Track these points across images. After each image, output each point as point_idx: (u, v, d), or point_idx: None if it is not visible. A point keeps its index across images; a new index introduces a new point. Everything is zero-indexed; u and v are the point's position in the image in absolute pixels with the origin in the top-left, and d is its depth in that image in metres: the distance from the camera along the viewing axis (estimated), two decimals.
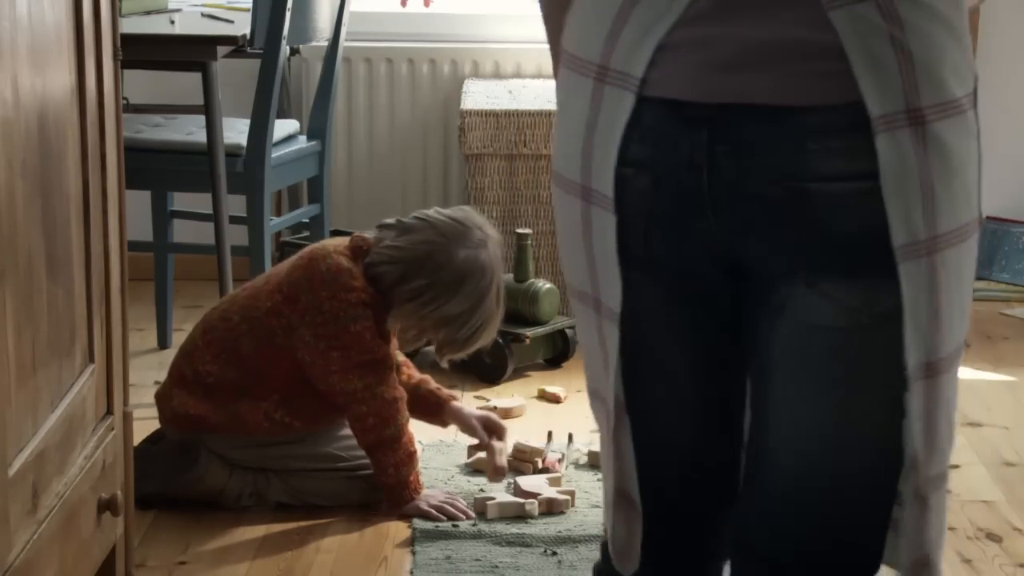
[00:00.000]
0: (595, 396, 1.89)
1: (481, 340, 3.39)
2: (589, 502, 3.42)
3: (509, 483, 3.46)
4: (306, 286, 3.32)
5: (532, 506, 3.34)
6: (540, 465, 3.56)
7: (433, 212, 3.42)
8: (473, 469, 3.59)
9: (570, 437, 3.71)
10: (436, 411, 3.53)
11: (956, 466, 3.70)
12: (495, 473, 3.46)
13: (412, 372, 3.54)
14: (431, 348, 3.47)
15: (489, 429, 3.51)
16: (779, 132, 1.63)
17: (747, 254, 1.69)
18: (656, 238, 1.72)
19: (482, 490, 3.46)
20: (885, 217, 1.62)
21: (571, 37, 1.78)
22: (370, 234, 3.41)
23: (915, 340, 1.67)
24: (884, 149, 1.61)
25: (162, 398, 3.43)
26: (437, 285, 3.30)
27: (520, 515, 3.32)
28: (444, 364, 3.52)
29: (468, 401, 4.05)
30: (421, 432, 3.67)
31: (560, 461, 3.58)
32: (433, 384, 3.55)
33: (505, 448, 3.50)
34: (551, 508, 3.36)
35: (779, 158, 1.63)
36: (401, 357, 3.53)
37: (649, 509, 1.85)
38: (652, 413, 1.82)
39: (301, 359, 3.32)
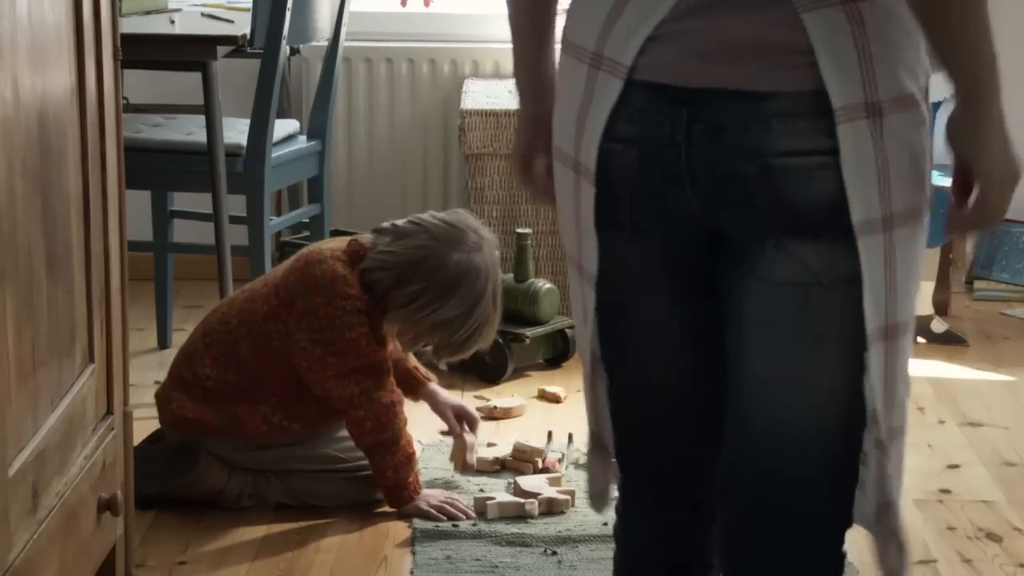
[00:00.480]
0: (581, 353, 2.07)
1: (478, 343, 3.39)
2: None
3: (509, 483, 3.46)
4: (302, 291, 3.32)
5: (532, 506, 3.34)
6: (540, 465, 3.56)
7: (428, 216, 3.41)
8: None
9: (570, 437, 3.71)
10: (412, 389, 3.56)
11: (956, 466, 3.70)
12: (462, 467, 3.48)
13: (396, 346, 3.50)
14: (429, 348, 3.47)
15: (462, 419, 3.53)
16: (749, 114, 1.83)
17: (720, 221, 1.89)
18: (641, 205, 1.91)
19: (482, 490, 3.46)
20: (842, 189, 1.82)
21: (571, 27, 2.02)
22: (367, 238, 3.41)
23: (873, 307, 1.85)
24: (845, 137, 1.81)
25: (162, 400, 3.43)
26: (431, 290, 3.30)
27: (520, 515, 3.32)
28: (442, 366, 3.52)
29: (468, 401, 4.05)
30: (421, 432, 3.67)
31: (560, 461, 3.58)
32: (412, 363, 3.55)
33: (475, 442, 3.52)
34: (551, 508, 3.36)
35: (748, 136, 1.83)
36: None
37: (640, 453, 2.06)
38: (642, 362, 2.00)
39: (298, 364, 3.32)
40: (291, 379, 3.34)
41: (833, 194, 1.82)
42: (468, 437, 3.52)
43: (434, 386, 3.58)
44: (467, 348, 3.39)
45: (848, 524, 1.96)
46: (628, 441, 2.09)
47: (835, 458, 1.92)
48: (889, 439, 1.89)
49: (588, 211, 1.95)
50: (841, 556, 1.97)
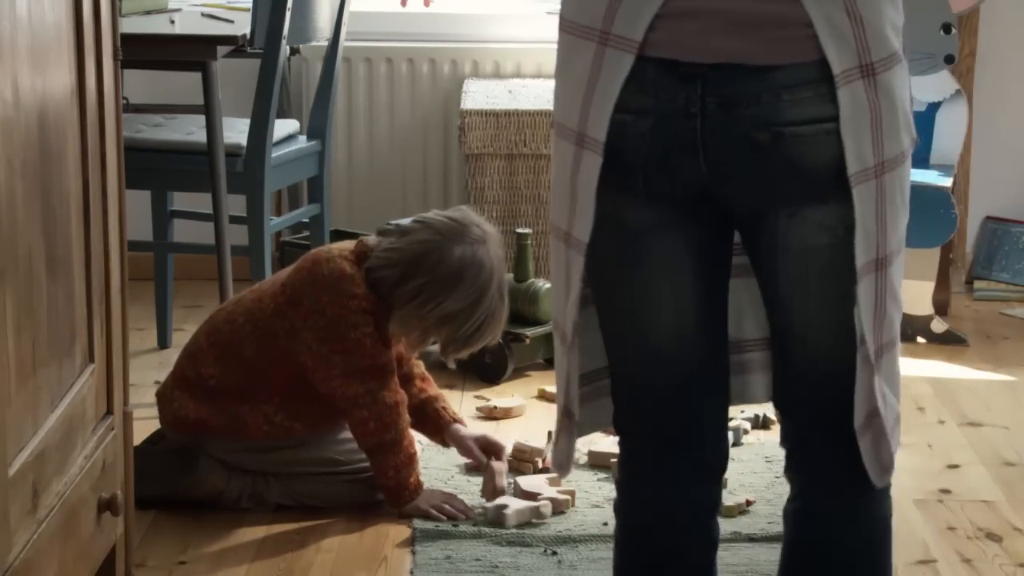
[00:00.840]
0: (556, 327, 2.18)
1: (486, 337, 3.37)
2: (589, 502, 3.42)
3: (509, 483, 3.46)
4: (309, 289, 3.32)
5: (547, 507, 3.33)
6: (540, 465, 3.56)
7: (431, 214, 3.42)
8: (472, 469, 3.58)
9: None
10: (437, 430, 3.51)
11: (956, 466, 3.70)
12: (492, 494, 3.41)
13: (427, 387, 3.52)
14: (436, 347, 3.47)
15: (487, 450, 3.49)
16: (760, 86, 1.99)
17: (728, 190, 2.05)
18: (654, 172, 2.04)
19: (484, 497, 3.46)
20: (834, 153, 2.00)
21: (572, 7, 2.08)
22: (373, 239, 3.41)
23: (864, 244, 2.04)
24: (844, 99, 1.99)
25: (163, 399, 3.43)
26: (435, 283, 3.29)
27: (537, 518, 3.30)
28: (451, 364, 3.51)
29: (468, 401, 4.05)
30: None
31: None
32: (442, 403, 3.52)
33: (504, 468, 3.47)
34: (552, 508, 3.36)
35: (760, 108, 1.98)
36: (420, 369, 3.52)
37: (644, 416, 2.18)
38: (645, 322, 2.13)
39: (303, 363, 3.32)
40: (295, 378, 3.34)
41: (839, 156, 2.00)
42: (496, 465, 3.46)
43: (458, 426, 3.53)
44: (475, 342, 3.37)
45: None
46: (631, 405, 2.19)
47: (853, 375, 2.12)
48: (877, 356, 2.09)
49: (588, 180, 2.04)
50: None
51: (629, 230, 2.10)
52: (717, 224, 2.12)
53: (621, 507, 2.27)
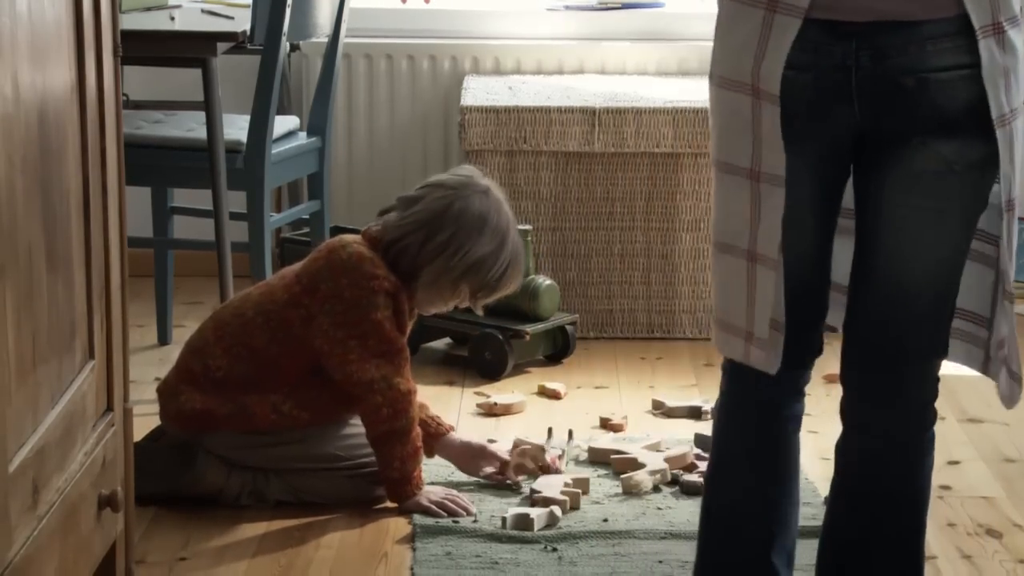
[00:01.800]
0: (726, 251, 2.47)
1: (512, 279, 3.44)
2: (589, 499, 3.42)
3: (525, 496, 3.43)
4: (327, 275, 3.34)
5: (563, 507, 3.32)
6: (537, 465, 3.55)
7: (430, 179, 3.50)
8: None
9: (570, 433, 3.71)
10: (430, 442, 3.46)
11: (956, 462, 3.70)
12: (554, 464, 3.49)
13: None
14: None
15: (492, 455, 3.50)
16: (907, 39, 2.33)
17: (878, 127, 2.37)
18: (813, 117, 2.37)
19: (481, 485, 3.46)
20: (976, 94, 2.32)
21: None
22: (377, 225, 3.43)
23: (1004, 183, 2.37)
24: (983, 51, 2.32)
25: (167, 395, 3.43)
26: (462, 231, 3.36)
27: (552, 523, 3.29)
28: (480, 311, 3.55)
29: (469, 397, 4.05)
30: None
31: (560, 457, 3.58)
32: (430, 412, 3.51)
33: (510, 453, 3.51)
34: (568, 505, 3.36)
35: (907, 57, 2.33)
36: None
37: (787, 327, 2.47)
38: (794, 248, 2.42)
39: (319, 347, 3.32)
40: (305, 368, 3.35)
41: (970, 98, 2.33)
42: (514, 455, 3.49)
43: (453, 435, 3.52)
44: (502, 286, 3.43)
45: (941, 356, 2.51)
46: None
47: (936, 303, 2.46)
48: (1012, 289, 2.41)
49: (773, 125, 2.36)
50: (937, 378, 2.54)
51: (789, 168, 2.39)
52: (845, 170, 2.46)
53: (729, 387, 2.57)
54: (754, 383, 2.50)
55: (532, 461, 3.50)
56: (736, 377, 2.54)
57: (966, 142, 2.36)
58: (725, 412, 2.59)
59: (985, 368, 2.52)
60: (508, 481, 3.47)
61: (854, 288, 2.50)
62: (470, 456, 3.49)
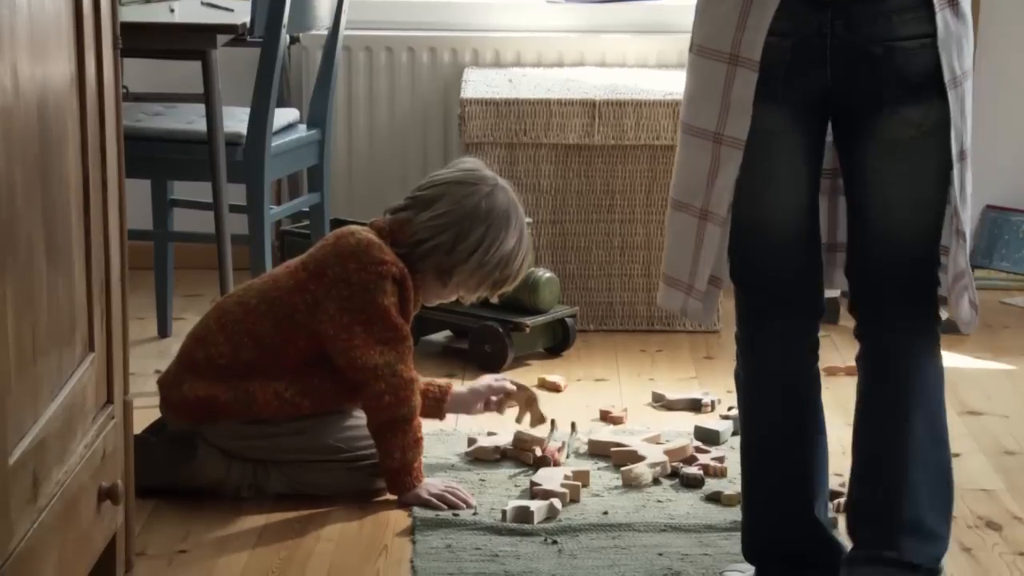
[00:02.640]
0: (681, 208, 2.73)
1: (528, 263, 3.54)
2: (589, 491, 3.42)
3: (525, 487, 3.44)
4: (334, 260, 3.35)
5: (563, 500, 3.32)
6: (539, 453, 3.55)
7: (438, 178, 3.50)
8: (474, 458, 3.59)
9: (572, 426, 3.71)
10: (437, 405, 3.53)
11: (956, 455, 3.69)
12: (540, 420, 3.62)
13: None
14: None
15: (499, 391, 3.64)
16: (875, 10, 2.59)
17: (847, 92, 2.63)
18: (791, 81, 2.62)
19: (483, 480, 3.46)
20: (934, 60, 2.60)
21: None
22: (385, 218, 3.46)
23: (956, 138, 2.64)
24: (939, 22, 2.59)
25: (169, 385, 3.43)
26: (493, 227, 3.42)
27: (552, 515, 3.29)
28: (496, 300, 3.61)
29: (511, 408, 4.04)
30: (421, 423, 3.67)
31: (560, 450, 3.58)
32: (423, 380, 3.53)
33: (536, 395, 3.66)
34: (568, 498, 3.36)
35: (875, 27, 2.59)
36: None
37: (769, 277, 2.77)
38: (772, 204, 2.70)
39: (324, 332, 3.33)
40: (308, 355, 3.36)
41: (930, 65, 2.60)
42: (525, 392, 3.63)
43: (456, 388, 3.59)
44: (521, 273, 3.51)
45: (936, 287, 2.78)
46: (757, 269, 2.76)
47: (927, 246, 2.74)
48: (964, 227, 2.69)
49: (744, 90, 2.60)
50: (937, 309, 2.82)
51: (765, 130, 2.65)
52: (821, 131, 2.71)
53: (747, 344, 2.81)
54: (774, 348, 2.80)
55: (523, 404, 3.60)
56: (749, 319, 2.81)
57: (929, 104, 2.62)
58: (753, 386, 2.83)
59: (946, 299, 2.79)
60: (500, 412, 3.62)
61: (851, 239, 2.78)
62: (479, 399, 3.59)
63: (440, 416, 3.55)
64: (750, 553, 2.91)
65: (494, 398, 3.62)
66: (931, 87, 2.62)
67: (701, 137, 2.69)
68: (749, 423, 2.86)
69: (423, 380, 3.50)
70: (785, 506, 2.84)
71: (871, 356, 2.81)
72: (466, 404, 3.60)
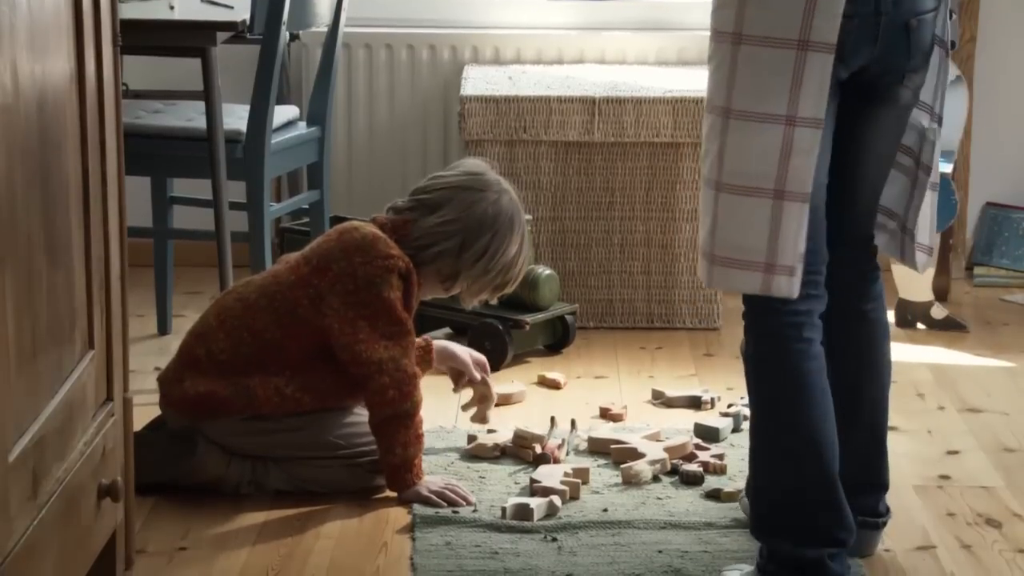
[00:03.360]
0: (744, 192, 2.80)
1: (526, 266, 3.56)
2: (589, 488, 3.42)
3: (524, 484, 3.44)
4: (339, 255, 3.35)
5: (562, 497, 3.32)
6: (539, 450, 3.55)
7: (442, 180, 3.49)
8: (473, 455, 3.59)
9: (573, 423, 3.71)
10: (423, 354, 3.59)
11: (956, 452, 3.70)
12: (481, 420, 3.67)
13: None
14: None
15: (479, 366, 3.68)
16: None
17: (883, 66, 2.84)
18: (845, 61, 2.79)
19: (482, 477, 3.46)
20: (933, 30, 2.87)
21: None
22: (387, 215, 3.46)
23: (934, 100, 2.93)
24: None
25: (169, 382, 3.43)
26: (499, 234, 3.43)
27: (552, 512, 3.29)
28: (495, 301, 3.65)
29: (467, 390, 4.04)
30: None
31: (560, 447, 3.58)
32: None
33: (494, 396, 3.69)
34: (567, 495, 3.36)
35: (913, 3, 2.83)
36: None
37: (819, 249, 2.89)
38: (819, 176, 2.83)
39: (327, 327, 3.33)
40: (309, 350, 3.36)
41: (931, 34, 2.88)
42: (490, 391, 3.67)
43: (440, 341, 3.67)
44: (520, 275, 3.53)
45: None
46: (809, 249, 2.85)
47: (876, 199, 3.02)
48: (937, 181, 2.98)
49: (821, 72, 2.74)
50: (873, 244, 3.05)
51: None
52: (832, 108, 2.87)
53: (797, 323, 2.89)
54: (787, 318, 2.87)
55: (477, 397, 3.67)
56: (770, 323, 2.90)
57: (924, 70, 2.90)
58: (770, 353, 2.90)
59: (901, 252, 2.99)
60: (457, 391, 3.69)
61: (843, 196, 2.96)
62: (447, 356, 3.66)
63: (428, 368, 3.60)
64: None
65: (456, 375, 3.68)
66: (928, 54, 2.88)
67: (768, 122, 2.78)
68: (797, 405, 2.87)
69: None
70: (830, 481, 2.88)
71: (827, 322, 2.95)
72: (451, 355, 3.66)
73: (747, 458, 2.93)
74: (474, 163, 3.56)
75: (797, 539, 2.87)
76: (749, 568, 2.95)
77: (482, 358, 3.69)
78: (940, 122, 2.96)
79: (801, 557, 2.86)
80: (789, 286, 2.81)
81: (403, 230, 3.42)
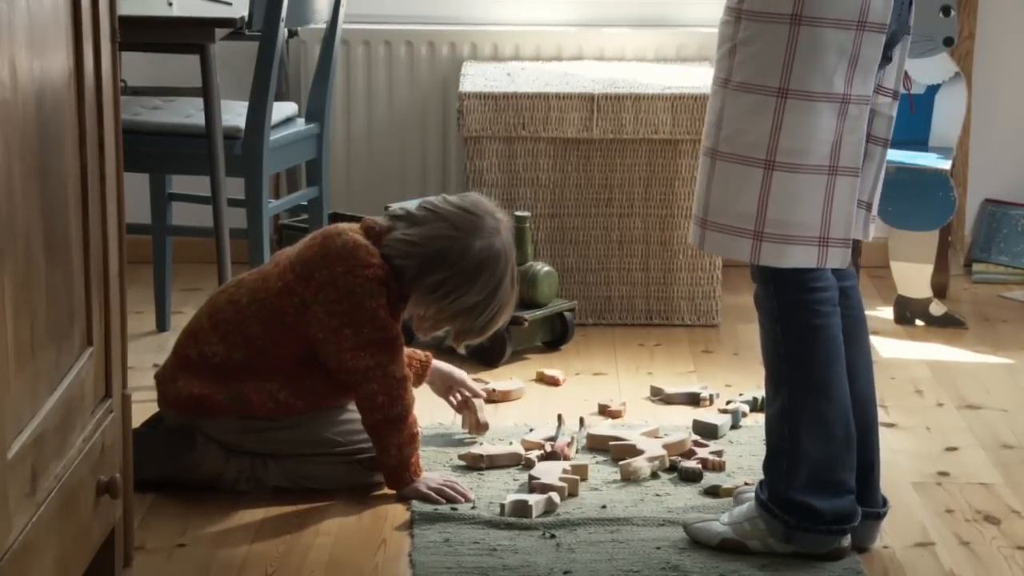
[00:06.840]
0: (801, 170, 2.93)
1: (498, 324, 3.43)
2: (588, 485, 3.42)
3: (523, 481, 3.44)
4: (321, 263, 3.33)
5: (561, 494, 3.32)
6: (549, 450, 3.54)
7: (442, 202, 3.41)
8: (467, 465, 3.55)
9: (581, 421, 3.71)
10: (421, 375, 3.62)
11: (954, 449, 3.70)
12: (477, 428, 3.67)
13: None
14: (440, 334, 3.49)
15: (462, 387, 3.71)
16: None
17: (899, 25, 2.98)
18: (887, 39, 2.95)
19: (481, 475, 3.46)
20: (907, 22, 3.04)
21: None
22: (380, 219, 3.42)
23: (898, 83, 3.08)
24: None
25: (165, 380, 3.43)
26: (455, 278, 3.33)
27: (551, 509, 3.29)
28: (462, 351, 3.57)
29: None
30: (418, 417, 3.67)
31: (569, 445, 3.57)
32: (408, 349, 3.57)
33: (482, 403, 3.70)
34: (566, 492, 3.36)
35: None
36: None
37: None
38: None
39: (313, 336, 3.32)
40: (300, 357, 3.35)
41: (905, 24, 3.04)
42: (477, 402, 3.68)
43: (435, 363, 3.66)
44: (487, 331, 3.42)
45: None
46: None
47: None
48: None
49: (873, 52, 2.91)
50: None
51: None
52: None
53: (829, 294, 3.04)
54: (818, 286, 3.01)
55: (473, 425, 3.68)
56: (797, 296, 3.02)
57: (907, 36, 3.05)
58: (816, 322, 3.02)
59: (866, 232, 3.07)
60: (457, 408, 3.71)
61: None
62: (445, 385, 3.69)
63: (417, 384, 3.60)
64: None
65: (458, 397, 3.68)
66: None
67: (824, 100, 2.91)
68: (834, 369, 3.01)
69: (406, 350, 3.51)
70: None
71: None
72: (443, 384, 3.68)
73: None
74: (480, 202, 3.43)
75: (834, 492, 3.02)
76: (726, 518, 3.11)
77: (470, 386, 3.71)
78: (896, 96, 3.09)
79: (838, 510, 3.02)
80: (844, 257, 2.96)
81: (382, 237, 3.39)
